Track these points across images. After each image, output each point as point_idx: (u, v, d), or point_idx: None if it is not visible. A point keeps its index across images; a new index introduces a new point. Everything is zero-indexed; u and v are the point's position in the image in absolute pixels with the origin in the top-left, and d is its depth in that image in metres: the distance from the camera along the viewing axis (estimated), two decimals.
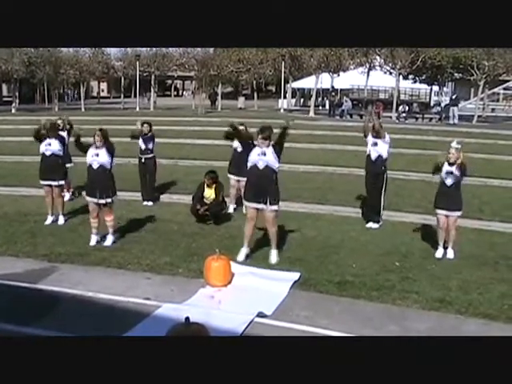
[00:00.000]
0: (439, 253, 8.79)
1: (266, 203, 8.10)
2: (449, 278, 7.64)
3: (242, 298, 6.97)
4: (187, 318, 3.57)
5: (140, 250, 8.71)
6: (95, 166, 8.85)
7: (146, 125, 12.27)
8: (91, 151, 8.89)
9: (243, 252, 8.26)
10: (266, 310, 6.44)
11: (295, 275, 7.57)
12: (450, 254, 8.71)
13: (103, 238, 9.06)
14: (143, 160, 12.22)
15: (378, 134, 10.27)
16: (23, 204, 11.71)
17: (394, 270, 8.01)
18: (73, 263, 8.13)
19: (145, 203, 12.11)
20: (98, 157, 8.82)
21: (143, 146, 12.17)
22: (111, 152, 8.92)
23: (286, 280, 7.43)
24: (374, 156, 10.33)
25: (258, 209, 8.19)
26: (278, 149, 8.13)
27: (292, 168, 16.65)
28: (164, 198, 12.80)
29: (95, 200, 8.87)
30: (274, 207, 8.19)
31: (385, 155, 10.28)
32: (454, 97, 33.03)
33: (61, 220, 10.29)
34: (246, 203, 8.59)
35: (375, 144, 10.32)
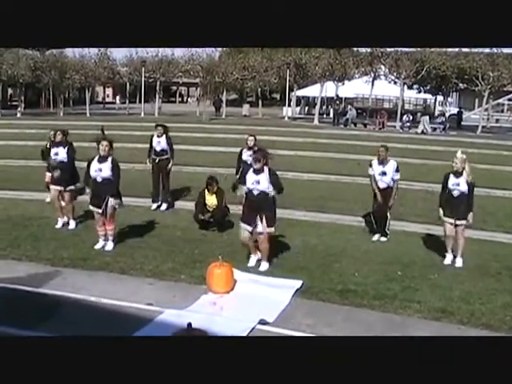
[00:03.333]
0: (448, 259, 8.84)
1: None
2: (451, 288, 7.63)
3: (244, 304, 6.97)
4: (189, 324, 3.60)
5: (143, 255, 8.73)
6: (99, 179, 8.88)
7: (159, 127, 12.34)
8: (94, 165, 8.86)
9: (253, 259, 8.48)
10: (267, 318, 6.44)
11: (297, 283, 7.58)
12: (459, 262, 8.71)
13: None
14: (157, 160, 12.27)
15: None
16: (27, 208, 11.74)
17: (396, 279, 8.00)
18: (76, 268, 8.15)
19: (162, 208, 12.22)
20: (101, 172, 8.83)
21: (158, 148, 12.24)
22: (113, 164, 8.89)
23: (288, 288, 7.44)
24: (382, 186, 9.98)
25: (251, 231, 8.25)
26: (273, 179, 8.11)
27: (295, 176, 16.69)
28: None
29: (99, 210, 8.92)
30: (271, 229, 8.23)
31: (393, 183, 10.00)
32: (424, 105, 33.11)
33: (72, 224, 10.30)
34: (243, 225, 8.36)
35: (383, 173, 9.95)
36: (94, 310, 6.67)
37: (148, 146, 12.48)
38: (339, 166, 18.23)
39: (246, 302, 7.03)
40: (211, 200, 10.56)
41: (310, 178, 16.62)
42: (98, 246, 9.04)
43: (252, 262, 8.42)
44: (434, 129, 33.49)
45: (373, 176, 10.03)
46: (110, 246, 9.07)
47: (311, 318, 6.54)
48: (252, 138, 11.61)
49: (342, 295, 7.28)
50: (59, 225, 10.26)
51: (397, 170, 9.98)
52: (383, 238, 10.13)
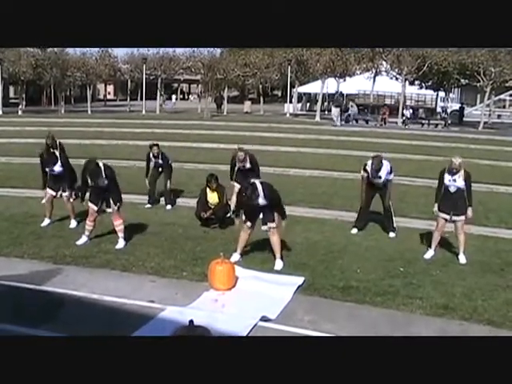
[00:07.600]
0: (429, 254, 8.88)
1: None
2: (453, 285, 7.62)
3: (245, 301, 6.97)
4: (191, 321, 3.59)
5: (145, 252, 8.73)
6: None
7: (155, 147, 12.16)
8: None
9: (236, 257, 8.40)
10: (269, 314, 6.44)
11: (299, 280, 7.57)
12: (462, 259, 8.68)
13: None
14: (160, 169, 12.28)
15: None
16: (29, 206, 11.74)
17: (399, 275, 8.00)
18: (78, 265, 8.15)
19: (167, 207, 12.19)
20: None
21: (158, 165, 12.24)
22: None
23: (290, 284, 7.44)
24: (377, 182, 10.01)
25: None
26: None
27: (297, 172, 16.70)
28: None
29: (96, 208, 8.96)
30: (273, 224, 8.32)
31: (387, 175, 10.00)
32: (335, 96, 33.16)
33: (73, 223, 10.26)
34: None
35: (378, 174, 9.90)
36: (95, 308, 6.68)
37: (145, 163, 12.30)
38: (341, 163, 18.20)
39: (247, 299, 7.03)
40: (213, 197, 10.56)
41: (313, 175, 16.61)
42: (80, 242, 9.05)
43: (235, 257, 8.32)
44: (436, 125, 33.48)
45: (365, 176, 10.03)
46: (120, 243, 9.02)
47: (313, 315, 6.53)
48: (242, 153, 11.04)
49: (344, 292, 7.27)
50: (45, 223, 10.20)
51: (390, 172, 9.99)
52: (392, 234, 10.17)
